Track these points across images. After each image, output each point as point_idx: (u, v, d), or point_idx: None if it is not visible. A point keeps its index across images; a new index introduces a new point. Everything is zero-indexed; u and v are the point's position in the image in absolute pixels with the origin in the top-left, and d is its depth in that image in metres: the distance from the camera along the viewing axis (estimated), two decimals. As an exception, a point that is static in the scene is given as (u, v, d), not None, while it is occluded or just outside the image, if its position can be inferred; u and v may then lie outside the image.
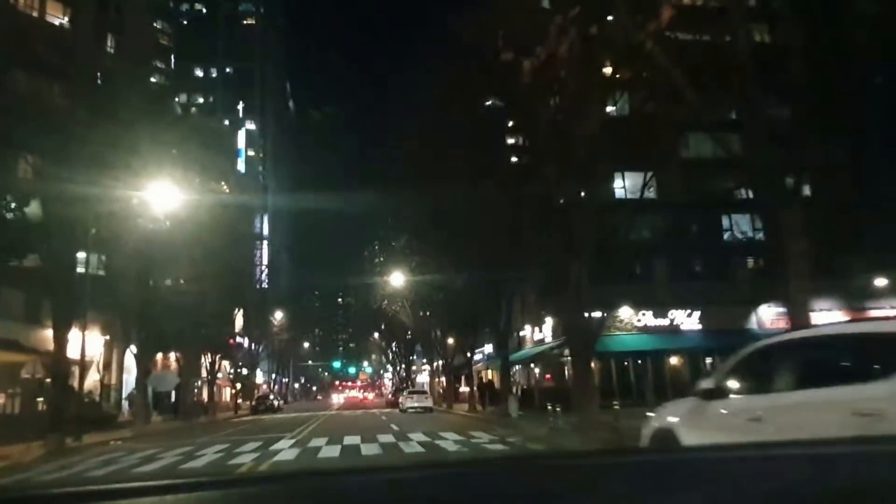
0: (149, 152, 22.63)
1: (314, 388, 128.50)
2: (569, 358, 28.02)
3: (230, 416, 43.37)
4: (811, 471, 1.29)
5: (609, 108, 24.21)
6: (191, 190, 38.20)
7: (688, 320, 29.56)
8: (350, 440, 16.10)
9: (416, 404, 34.03)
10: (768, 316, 30.50)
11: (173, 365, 41.89)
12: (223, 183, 62.44)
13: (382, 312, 47.14)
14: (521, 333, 37.21)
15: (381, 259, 38.50)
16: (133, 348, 37.92)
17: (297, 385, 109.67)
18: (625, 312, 29.04)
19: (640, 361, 28.13)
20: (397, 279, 36.98)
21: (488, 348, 43.27)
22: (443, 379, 50.07)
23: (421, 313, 41.11)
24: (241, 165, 73.25)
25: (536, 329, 34.54)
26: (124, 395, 36.87)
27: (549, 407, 17.43)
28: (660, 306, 29.26)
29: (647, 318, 29.32)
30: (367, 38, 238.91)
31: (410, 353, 65.59)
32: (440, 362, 46.46)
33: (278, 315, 58.48)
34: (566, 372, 29.03)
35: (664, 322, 29.38)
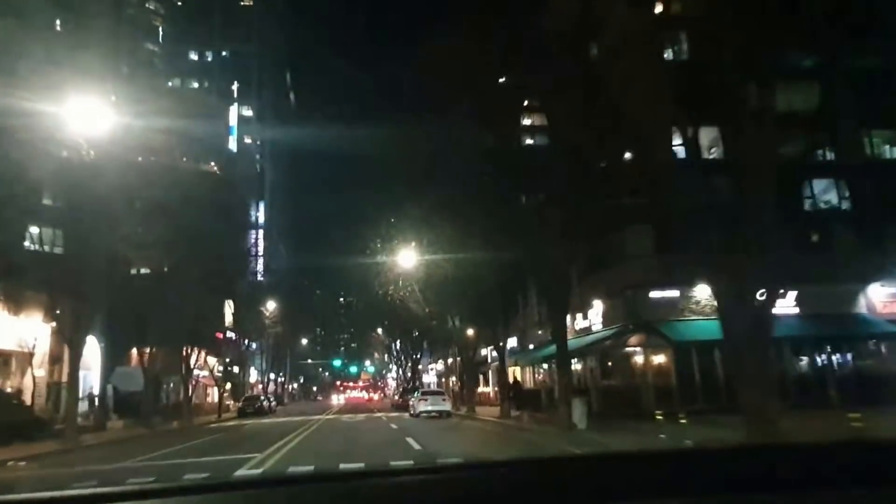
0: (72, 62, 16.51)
1: (314, 389, 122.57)
2: (635, 349, 21.77)
3: (211, 420, 37.07)
4: (812, 470, 1.28)
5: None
6: (168, 153, 32.58)
7: (780, 302, 23.13)
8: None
9: (430, 407, 27.82)
10: (879, 297, 24.21)
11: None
12: (213, 163, 56.95)
13: (388, 302, 40.78)
14: (558, 322, 30.89)
15: (385, 259, 32.42)
16: (92, 338, 32.27)
17: (295, 385, 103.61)
18: (701, 292, 22.72)
19: (722, 353, 21.74)
20: (407, 258, 30.74)
21: (510, 342, 37.08)
22: (454, 378, 43.95)
23: (428, 309, 34.95)
24: (232, 144, 66.91)
25: (579, 316, 28.21)
26: (80, 395, 30.60)
27: (659, 415, 11.13)
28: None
29: (730, 300, 22.93)
30: (372, 34, 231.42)
31: (418, 350, 59.32)
32: (457, 358, 40.28)
33: (271, 305, 52.21)
34: (630, 367, 22.68)
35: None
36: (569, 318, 29.96)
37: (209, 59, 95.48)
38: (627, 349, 22.09)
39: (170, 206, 27.33)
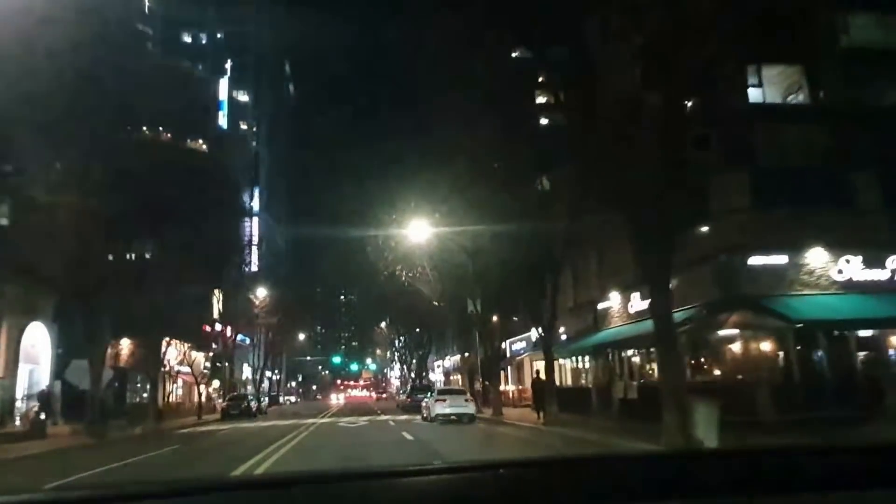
0: None
1: (314, 388, 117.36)
2: (736, 333, 16.24)
3: (188, 423, 31.58)
4: (816, 472, 1.26)
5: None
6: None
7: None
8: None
9: (450, 410, 22.42)
10: None
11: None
12: (202, 139, 51.85)
13: (395, 288, 35.39)
14: (603, 306, 25.53)
15: (395, 231, 27.44)
16: (40, 324, 27.14)
17: (293, 383, 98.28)
18: (816, 258, 17.19)
19: (857, 339, 16.24)
20: (419, 231, 25.34)
21: (532, 334, 31.68)
22: (466, 376, 38.61)
23: (440, 300, 29.76)
24: (222, 120, 61.50)
25: (634, 296, 22.70)
26: (20, 394, 25.24)
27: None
28: (872, 248, 17.38)
29: (853, 268, 17.35)
30: (374, 30, 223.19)
31: (425, 346, 53.96)
32: (471, 352, 34.92)
33: (262, 293, 46.77)
34: (730, 358, 17.09)
35: (882, 274, 17.41)
36: (618, 301, 24.63)
37: (203, 41, 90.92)
38: (723, 333, 16.55)
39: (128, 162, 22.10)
